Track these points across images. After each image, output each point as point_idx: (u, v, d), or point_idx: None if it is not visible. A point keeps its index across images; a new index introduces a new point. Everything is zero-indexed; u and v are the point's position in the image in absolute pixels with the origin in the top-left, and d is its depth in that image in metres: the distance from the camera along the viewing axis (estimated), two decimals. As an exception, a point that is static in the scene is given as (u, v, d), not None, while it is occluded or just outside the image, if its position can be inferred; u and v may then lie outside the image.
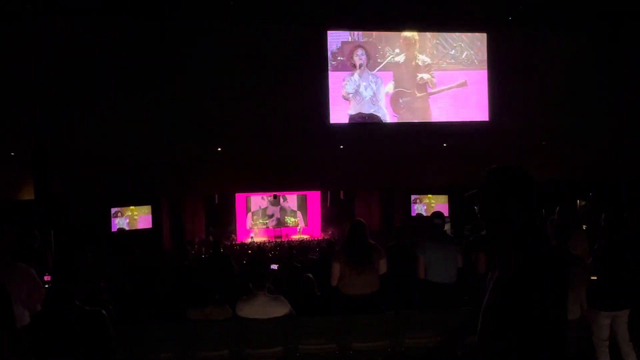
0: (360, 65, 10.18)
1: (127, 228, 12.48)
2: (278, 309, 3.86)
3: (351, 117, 10.22)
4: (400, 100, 10.35)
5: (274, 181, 12.74)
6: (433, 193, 13.71)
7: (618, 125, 10.06)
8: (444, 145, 11.27)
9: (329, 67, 10.08)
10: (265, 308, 3.84)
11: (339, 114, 10.22)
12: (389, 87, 10.33)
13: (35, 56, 8.45)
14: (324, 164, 12.08)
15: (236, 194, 16.29)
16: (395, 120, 10.37)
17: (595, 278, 3.86)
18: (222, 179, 12.48)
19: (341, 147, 11.21)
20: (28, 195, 10.49)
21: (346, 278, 4.17)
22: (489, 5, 9.33)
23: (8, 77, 8.40)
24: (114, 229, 12.23)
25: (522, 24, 9.83)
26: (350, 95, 10.17)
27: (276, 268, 6.99)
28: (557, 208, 5.07)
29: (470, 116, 10.54)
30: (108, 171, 10.89)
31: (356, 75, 10.19)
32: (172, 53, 8.99)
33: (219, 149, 10.91)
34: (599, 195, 11.56)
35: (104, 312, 2.48)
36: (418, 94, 10.43)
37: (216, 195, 15.39)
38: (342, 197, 16.28)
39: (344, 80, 10.19)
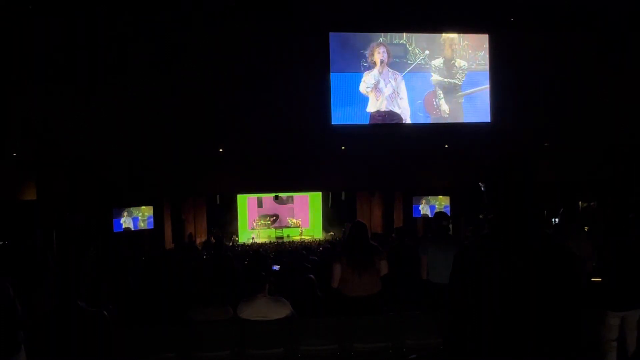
0: (382, 62, 10.18)
1: (133, 228, 12.44)
2: (279, 311, 3.85)
3: (372, 116, 10.23)
4: (434, 101, 10.35)
5: (275, 182, 12.74)
6: (434, 194, 13.69)
7: (619, 126, 10.04)
8: (446, 146, 11.25)
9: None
10: (266, 310, 3.83)
11: (345, 114, 10.20)
12: (427, 87, 10.33)
13: (36, 56, 8.46)
14: (325, 164, 12.08)
15: (237, 195, 16.30)
16: (428, 120, 10.39)
17: (603, 279, 3.85)
18: (224, 179, 12.48)
19: (342, 148, 11.20)
20: (30, 195, 10.50)
21: (347, 279, 4.16)
22: (491, 6, 9.33)
23: (9, 76, 8.41)
24: (119, 229, 12.18)
25: (524, 25, 9.82)
26: (369, 89, 10.18)
27: (278, 269, 6.97)
28: (561, 210, 5.07)
29: (471, 117, 10.53)
30: (110, 172, 10.90)
31: (376, 71, 10.20)
32: (172, 53, 8.99)
33: (220, 150, 10.92)
34: (601, 196, 11.53)
35: (105, 312, 2.48)
36: (452, 95, 10.43)
37: (217, 196, 15.40)
38: (343, 198, 16.27)
39: (363, 75, 10.22)
